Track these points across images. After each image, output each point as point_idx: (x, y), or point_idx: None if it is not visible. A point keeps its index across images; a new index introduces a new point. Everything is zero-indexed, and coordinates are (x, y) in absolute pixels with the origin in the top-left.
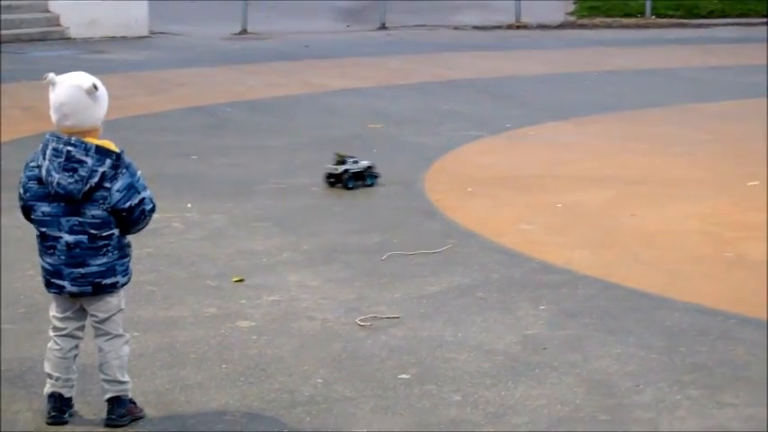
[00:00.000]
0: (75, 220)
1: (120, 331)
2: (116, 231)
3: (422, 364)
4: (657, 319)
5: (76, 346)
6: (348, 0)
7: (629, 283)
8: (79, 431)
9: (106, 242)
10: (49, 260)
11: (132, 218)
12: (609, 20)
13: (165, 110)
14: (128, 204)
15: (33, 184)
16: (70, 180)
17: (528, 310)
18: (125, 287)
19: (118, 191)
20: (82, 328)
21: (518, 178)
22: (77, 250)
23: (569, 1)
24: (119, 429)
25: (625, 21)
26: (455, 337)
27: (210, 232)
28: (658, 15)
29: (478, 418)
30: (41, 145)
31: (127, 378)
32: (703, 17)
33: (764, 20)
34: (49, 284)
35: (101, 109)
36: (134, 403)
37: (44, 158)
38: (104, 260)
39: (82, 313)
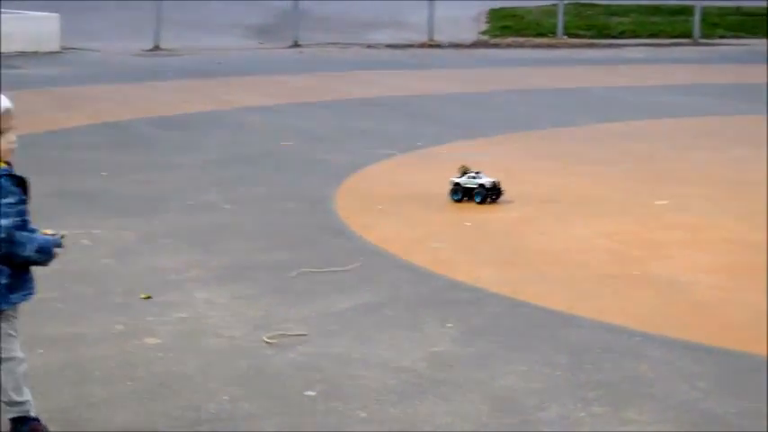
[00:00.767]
0: None
1: (12, 354)
2: None
3: (328, 381)
4: (563, 336)
5: None
6: (261, 17)
7: (536, 301)
8: None
9: None
10: None
11: None
12: (521, 39)
13: (75, 126)
14: None
15: None
16: None
17: (435, 327)
18: (5, 313)
19: None
20: None
21: (428, 196)
22: None
23: (482, 20)
24: None
25: (537, 40)
26: (362, 354)
27: (119, 249)
28: (570, 35)
29: None
30: None
31: (26, 398)
32: (614, 37)
33: (673, 41)
34: None
35: None
36: (38, 421)
37: None
38: None
39: None
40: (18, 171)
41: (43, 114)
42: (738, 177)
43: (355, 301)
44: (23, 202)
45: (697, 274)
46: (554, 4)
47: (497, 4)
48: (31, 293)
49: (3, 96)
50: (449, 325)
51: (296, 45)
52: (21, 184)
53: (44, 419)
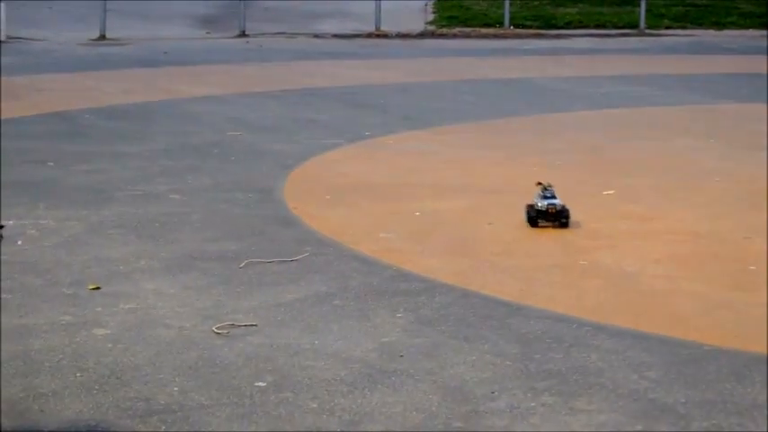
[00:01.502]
0: None
1: None
2: None
3: (278, 372)
4: (513, 326)
5: None
6: (208, 7)
7: (485, 291)
8: None
9: None
10: None
11: None
12: (468, 29)
13: (20, 116)
14: None
15: None
16: None
17: (385, 317)
18: None
19: None
20: None
21: (376, 186)
22: None
23: (429, 11)
24: None
25: (484, 31)
26: (312, 344)
27: (66, 239)
28: (516, 26)
29: (334, 426)
30: None
31: None
32: (561, 27)
33: (620, 31)
34: None
35: None
36: None
37: None
38: None
39: None
40: None
41: None
42: (685, 167)
43: (304, 291)
44: None
45: (645, 264)
46: None
47: None
48: None
49: None
50: (398, 315)
51: (243, 35)
52: None
53: None
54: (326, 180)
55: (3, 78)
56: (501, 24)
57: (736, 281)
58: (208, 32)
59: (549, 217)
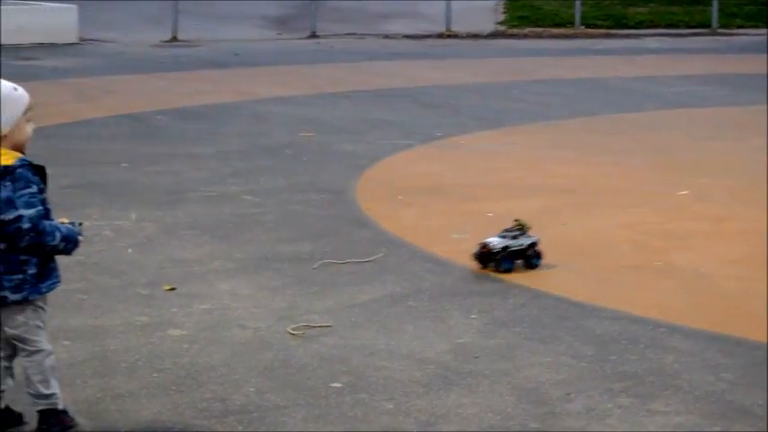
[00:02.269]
0: None
1: (39, 346)
2: (1, 246)
3: (353, 373)
4: (588, 327)
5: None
6: (279, 8)
7: (559, 292)
8: None
9: None
10: None
11: (7, 233)
12: (539, 29)
13: (94, 117)
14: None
15: None
16: None
17: (459, 318)
18: (34, 303)
19: None
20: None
21: (448, 187)
22: None
23: (499, 11)
24: None
25: (554, 30)
26: (387, 345)
27: (141, 240)
28: (587, 25)
29: (410, 427)
30: None
31: (53, 390)
32: (632, 27)
33: (692, 30)
34: None
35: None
36: (66, 413)
37: None
38: None
39: None
40: (37, 162)
41: (61, 106)
42: (758, 167)
43: (379, 292)
44: (43, 191)
45: (719, 264)
46: None
47: None
48: (58, 282)
49: (21, 89)
50: (473, 316)
51: (313, 36)
52: (38, 172)
53: (72, 412)
54: (399, 180)
55: (76, 80)
56: (572, 24)
57: None
58: (279, 33)
59: (482, 257)
